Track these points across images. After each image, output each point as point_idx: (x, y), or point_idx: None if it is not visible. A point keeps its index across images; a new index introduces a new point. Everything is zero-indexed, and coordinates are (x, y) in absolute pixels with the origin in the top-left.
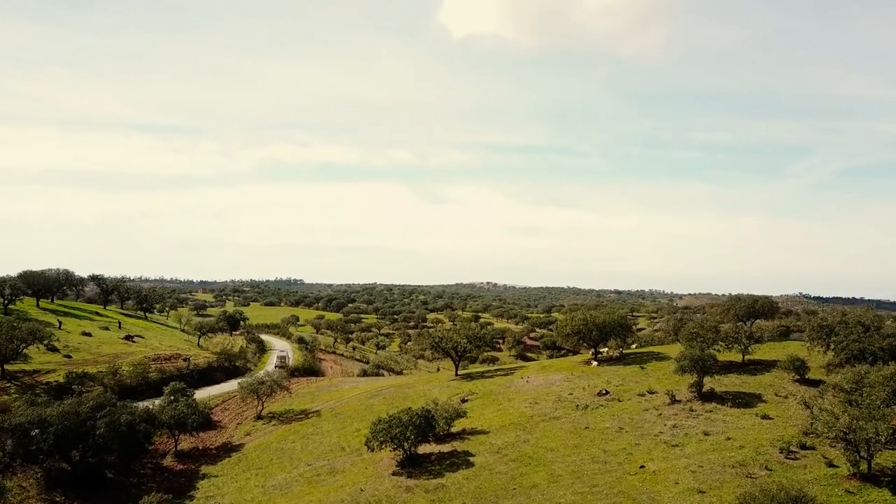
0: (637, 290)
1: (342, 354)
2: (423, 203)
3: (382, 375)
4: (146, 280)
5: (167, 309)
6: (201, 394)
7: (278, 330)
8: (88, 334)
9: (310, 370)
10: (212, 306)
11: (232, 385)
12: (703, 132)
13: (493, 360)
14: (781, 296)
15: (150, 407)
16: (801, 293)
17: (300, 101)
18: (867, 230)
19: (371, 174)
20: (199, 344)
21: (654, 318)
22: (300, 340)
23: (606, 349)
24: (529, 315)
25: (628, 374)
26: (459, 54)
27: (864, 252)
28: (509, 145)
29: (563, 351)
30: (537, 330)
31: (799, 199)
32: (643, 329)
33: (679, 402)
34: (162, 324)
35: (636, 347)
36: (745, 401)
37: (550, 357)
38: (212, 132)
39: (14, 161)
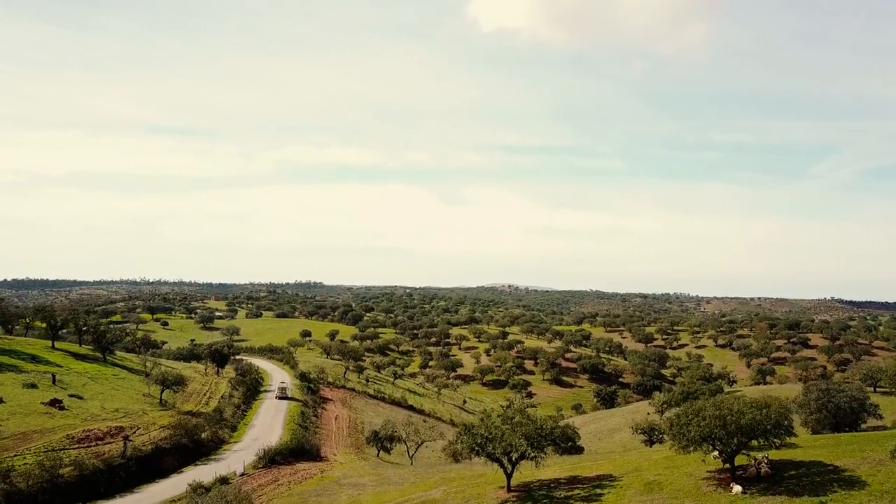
0: (662, 294)
1: (353, 389)
2: (441, 205)
3: (398, 438)
4: (165, 283)
5: (138, 347)
6: (132, 501)
7: (282, 356)
8: None
9: (299, 450)
10: (220, 318)
11: (185, 480)
12: (723, 132)
13: (526, 386)
14: (813, 300)
15: None
16: (832, 297)
17: (318, 102)
18: (894, 231)
19: (389, 176)
20: (161, 400)
21: (697, 332)
22: (302, 377)
23: (750, 457)
24: (560, 327)
25: None
26: (479, 54)
27: (893, 254)
28: (527, 146)
29: (614, 385)
30: (572, 349)
31: (822, 200)
32: (702, 357)
33: None
34: (126, 367)
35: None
36: None
37: (599, 396)
38: (230, 134)
39: (36, 164)
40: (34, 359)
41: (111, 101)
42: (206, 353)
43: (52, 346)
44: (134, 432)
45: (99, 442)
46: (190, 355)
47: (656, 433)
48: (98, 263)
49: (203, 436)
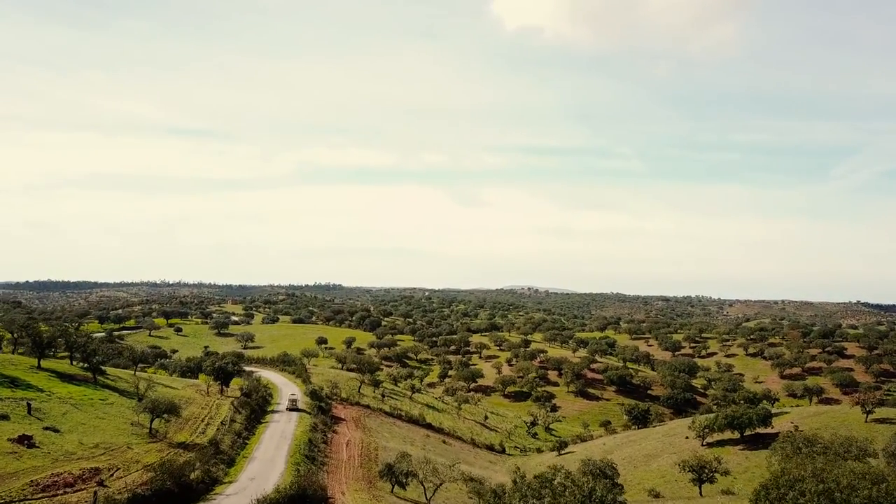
0: (684, 297)
1: (368, 406)
2: (459, 206)
3: (413, 474)
4: (184, 285)
5: (135, 363)
6: None
7: (294, 368)
8: None
9: (301, 496)
10: (235, 323)
11: None
12: (742, 133)
13: (550, 398)
14: (839, 303)
15: None
16: (859, 301)
17: (336, 104)
18: None
19: (406, 177)
20: (150, 430)
21: (727, 340)
22: (313, 395)
23: None
24: (583, 334)
25: None
26: (499, 54)
27: None
28: (545, 147)
29: (647, 401)
30: (598, 359)
31: (843, 201)
32: (733, 366)
33: None
34: (118, 389)
35: None
36: None
37: (631, 414)
38: (249, 136)
39: (58, 166)
40: (14, 382)
41: (131, 104)
42: (209, 370)
43: (38, 366)
44: (111, 475)
45: (68, 489)
46: (197, 368)
47: (706, 471)
48: (119, 265)
49: (192, 476)
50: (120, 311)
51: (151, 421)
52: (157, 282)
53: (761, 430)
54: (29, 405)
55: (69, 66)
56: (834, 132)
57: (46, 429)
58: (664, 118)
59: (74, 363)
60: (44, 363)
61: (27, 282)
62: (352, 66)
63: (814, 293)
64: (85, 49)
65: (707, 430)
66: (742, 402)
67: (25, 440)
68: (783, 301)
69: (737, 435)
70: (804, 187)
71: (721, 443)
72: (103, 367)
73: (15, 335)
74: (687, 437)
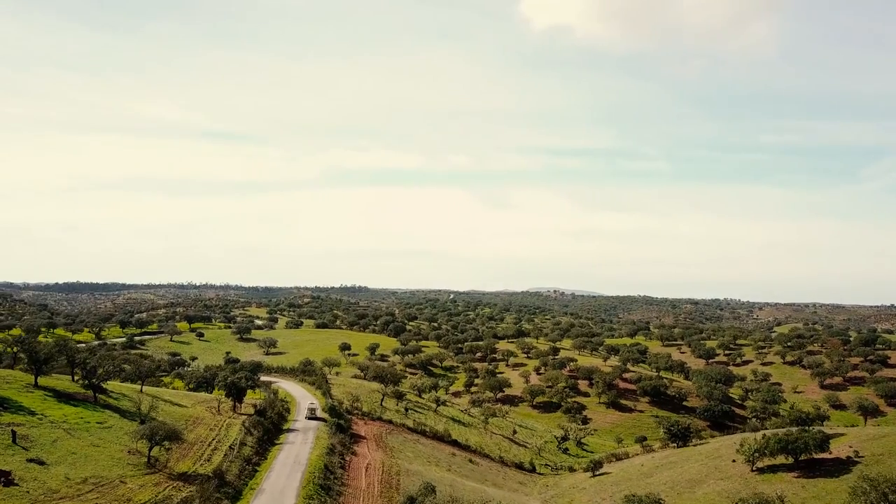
0: (712, 300)
1: (390, 421)
2: (485, 208)
3: None
4: (211, 287)
5: (141, 382)
6: None
7: (315, 379)
8: None
9: None
10: (259, 328)
11: None
12: (772, 134)
13: (581, 410)
14: (872, 307)
15: None
16: (892, 304)
17: (363, 106)
18: None
19: (432, 179)
20: (149, 458)
21: (762, 348)
22: (332, 411)
23: None
24: (613, 340)
25: None
26: (527, 54)
27: None
28: (570, 148)
29: (684, 415)
30: (630, 368)
31: (874, 202)
32: (770, 375)
33: None
34: (120, 409)
35: None
36: None
37: (669, 432)
38: (278, 139)
39: (89, 168)
40: (2, 404)
41: (163, 107)
42: (221, 384)
43: (35, 384)
44: None
45: None
46: (213, 379)
47: None
48: (147, 267)
49: None
50: (143, 314)
51: (150, 449)
52: (184, 284)
53: (817, 456)
54: (14, 433)
55: (101, 70)
56: (865, 133)
57: (31, 461)
58: (692, 119)
59: (76, 379)
60: (44, 380)
61: (57, 283)
62: (379, 69)
63: (845, 296)
64: (117, 53)
65: (757, 454)
66: (791, 420)
67: (3, 477)
68: (814, 304)
69: (790, 460)
70: (834, 189)
71: (773, 468)
72: (105, 385)
73: (12, 349)
74: (734, 461)
